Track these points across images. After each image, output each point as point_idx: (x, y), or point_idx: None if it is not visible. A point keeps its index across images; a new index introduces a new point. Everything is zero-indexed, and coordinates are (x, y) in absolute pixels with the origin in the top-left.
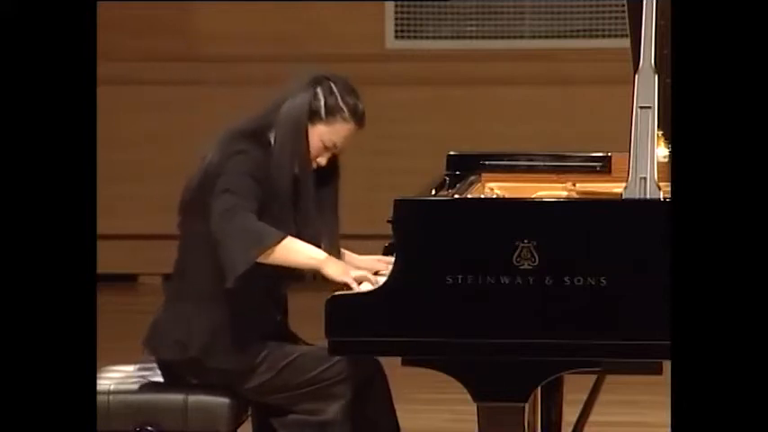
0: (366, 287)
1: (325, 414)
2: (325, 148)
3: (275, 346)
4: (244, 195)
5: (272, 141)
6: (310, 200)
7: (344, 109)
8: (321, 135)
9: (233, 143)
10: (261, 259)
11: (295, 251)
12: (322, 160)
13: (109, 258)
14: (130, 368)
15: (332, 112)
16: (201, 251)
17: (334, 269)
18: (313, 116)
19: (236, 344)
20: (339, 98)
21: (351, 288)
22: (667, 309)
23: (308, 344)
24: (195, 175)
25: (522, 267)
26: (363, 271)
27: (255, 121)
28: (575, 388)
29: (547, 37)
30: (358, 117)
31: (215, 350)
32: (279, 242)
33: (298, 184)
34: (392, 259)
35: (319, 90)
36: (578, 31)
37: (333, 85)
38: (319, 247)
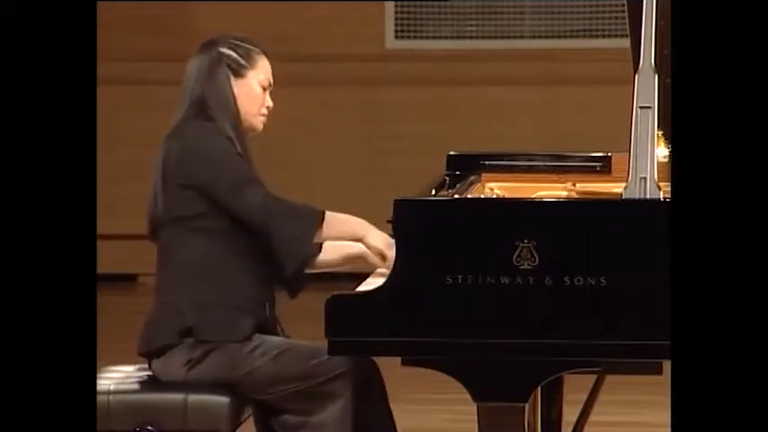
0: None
1: (324, 414)
2: (265, 90)
3: (269, 336)
4: (256, 178)
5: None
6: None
7: (252, 47)
8: (256, 79)
9: (183, 129)
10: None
11: (340, 221)
12: (269, 103)
13: (109, 258)
14: (130, 368)
15: (247, 55)
16: (182, 235)
17: (377, 238)
18: (238, 69)
19: (228, 317)
20: (241, 42)
21: (384, 260)
22: (667, 309)
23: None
24: (154, 180)
25: (522, 267)
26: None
27: (188, 104)
28: (575, 388)
29: (547, 37)
30: (264, 51)
31: (206, 322)
32: (324, 215)
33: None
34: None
35: (222, 48)
36: (578, 31)
37: (228, 39)
38: None
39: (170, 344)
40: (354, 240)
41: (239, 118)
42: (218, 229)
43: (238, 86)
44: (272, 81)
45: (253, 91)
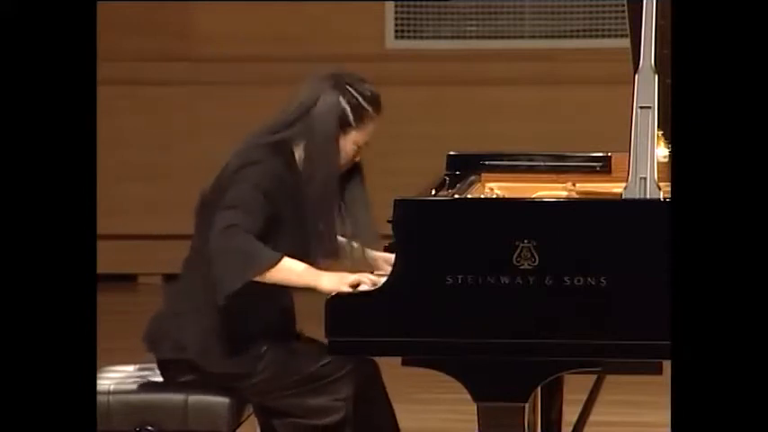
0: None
1: (326, 416)
2: (359, 148)
3: (273, 344)
4: (249, 212)
5: (299, 154)
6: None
7: (369, 108)
8: (354, 140)
9: (252, 151)
10: (257, 279)
11: (288, 271)
12: (358, 158)
13: (109, 258)
14: (130, 368)
15: (359, 116)
16: (201, 256)
17: (330, 282)
18: (344, 126)
19: (232, 349)
20: (360, 99)
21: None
22: (667, 309)
23: (312, 339)
24: (214, 179)
25: (522, 267)
26: (356, 275)
27: (278, 129)
28: (575, 388)
29: (547, 37)
30: (379, 108)
31: (211, 354)
32: (274, 265)
33: (327, 195)
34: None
35: (341, 99)
36: (578, 31)
37: (350, 88)
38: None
39: (171, 358)
40: (308, 288)
41: (337, 172)
42: None
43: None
44: (368, 141)
45: (344, 150)
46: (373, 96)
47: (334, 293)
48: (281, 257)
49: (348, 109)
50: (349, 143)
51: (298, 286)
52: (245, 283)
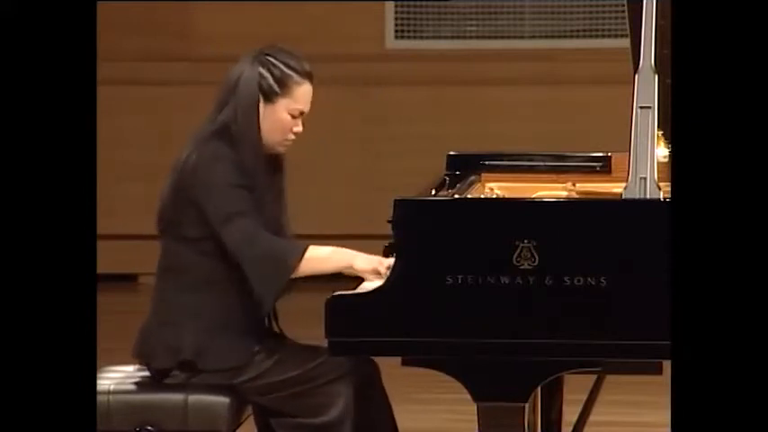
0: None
1: (325, 416)
2: (294, 117)
3: (267, 341)
4: (247, 212)
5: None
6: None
7: (293, 74)
8: (286, 108)
9: (207, 144)
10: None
11: (322, 259)
12: (298, 129)
13: (109, 258)
14: (130, 368)
15: (283, 82)
16: (188, 256)
17: (366, 262)
18: (269, 95)
19: (229, 343)
20: (283, 66)
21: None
22: (667, 309)
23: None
24: (169, 181)
25: (522, 267)
26: (391, 259)
27: (214, 117)
28: (575, 388)
29: (547, 37)
30: (308, 74)
31: (208, 351)
32: (303, 256)
33: (254, 167)
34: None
35: (262, 69)
36: (578, 31)
37: (271, 57)
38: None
39: (168, 366)
40: (342, 270)
41: (260, 146)
42: (223, 251)
43: (266, 111)
44: (305, 109)
45: (278, 120)
46: (297, 63)
47: (333, 294)
48: (306, 247)
49: (270, 78)
50: (281, 112)
51: (331, 272)
52: (241, 272)
